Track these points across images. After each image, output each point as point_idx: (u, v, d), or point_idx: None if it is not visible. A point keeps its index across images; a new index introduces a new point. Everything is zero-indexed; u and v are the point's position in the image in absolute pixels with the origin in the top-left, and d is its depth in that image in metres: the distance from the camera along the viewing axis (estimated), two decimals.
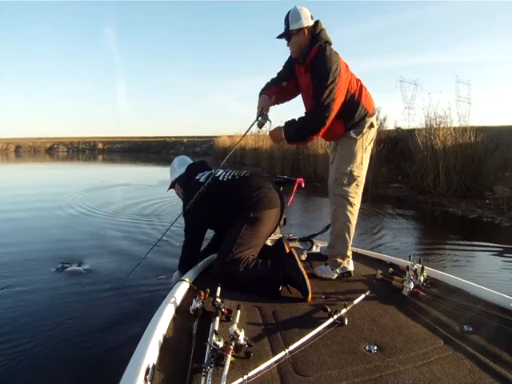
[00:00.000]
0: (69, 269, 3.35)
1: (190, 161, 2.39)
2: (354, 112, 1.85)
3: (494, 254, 3.73)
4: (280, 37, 1.90)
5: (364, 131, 1.88)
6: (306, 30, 1.81)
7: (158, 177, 11.64)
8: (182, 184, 2.25)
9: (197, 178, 2.13)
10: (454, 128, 6.92)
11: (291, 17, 1.81)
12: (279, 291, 1.69)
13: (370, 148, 1.95)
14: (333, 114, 1.75)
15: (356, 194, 1.91)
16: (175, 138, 33.24)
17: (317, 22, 1.84)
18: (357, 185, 1.90)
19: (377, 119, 2.07)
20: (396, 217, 5.67)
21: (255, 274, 1.74)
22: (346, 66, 1.86)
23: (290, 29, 1.82)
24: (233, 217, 1.92)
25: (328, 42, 1.82)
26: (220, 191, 2.00)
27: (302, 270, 1.71)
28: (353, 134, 1.87)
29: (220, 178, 2.05)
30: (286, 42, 1.92)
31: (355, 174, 1.88)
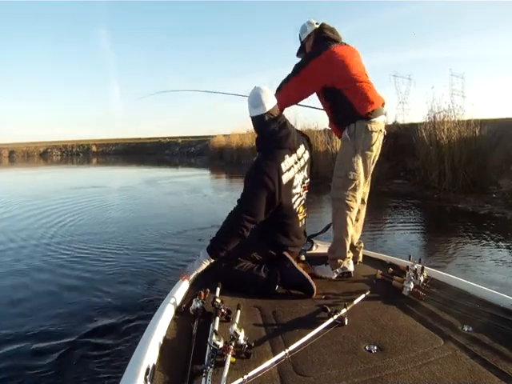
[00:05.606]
0: (65, 270, 3.35)
1: None
2: (341, 107, 1.91)
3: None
4: (299, 52, 2.13)
5: (358, 133, 1.85)
6: (312, 34, 2.04)
7: (143, 177, 11.86)
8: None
9: None
10: (459, 121, 6.88)
11: (300, 30, 2.08)
12: (275, 290, 1.71)
13: (370, 154, 1.89)
14: (288, 83, 1.95)
15: (353, 197, 1.89)
16: (170, 138, 33.16)
17: (321, 25, 2.01)
18: (354, 188, 1.89)
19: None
20: (407, 214, 5.69)
21: (253, 274, 1.74)
22: (329, 59, 1.87)
23: (302, 40, 2.09)
24: None
25: (326, 38, 1.95)
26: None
27: (301, 269, 1.72)
28: (346, 134, 1.88)
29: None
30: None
31: (351, 177, 1.87)
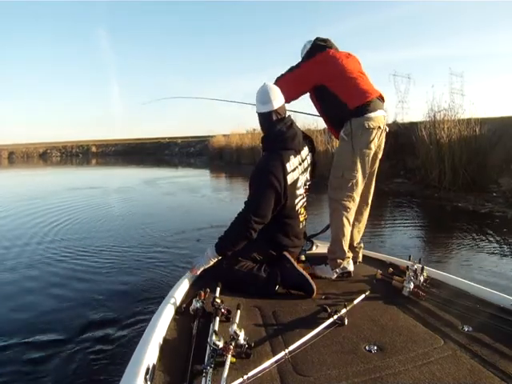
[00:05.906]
0: (67, 267, 3.35)
1: None
2: (330, 104, 1.92)
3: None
4: None
5: (355, 132, 1.81)
6: (309, 49, 2.07)
7: (143, 178, 11.93)
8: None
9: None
10: (459, 120, 6.88)
11: (301, 50, 2.12)
12: (275, 290, 1.70)
13: (368, 152, 1.84)
14: (280, 81, 1.98)
15: (350, 197, 1.88)
16: (169, 138, 33.26)
17: (315, 39, 2.04)
18: (352, 188, 1.86)
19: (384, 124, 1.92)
20: (407, 213, 5.71)
21: (253, 274, 1.74)
22: (324, 61, 1.91)
23: (302, 56, 2.10)
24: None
25: (316, 47, 1.99)
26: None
27: (301, 270, 1.72)
28: (343, 134, 1.86)
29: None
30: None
31: (348, 177, 1.85)
